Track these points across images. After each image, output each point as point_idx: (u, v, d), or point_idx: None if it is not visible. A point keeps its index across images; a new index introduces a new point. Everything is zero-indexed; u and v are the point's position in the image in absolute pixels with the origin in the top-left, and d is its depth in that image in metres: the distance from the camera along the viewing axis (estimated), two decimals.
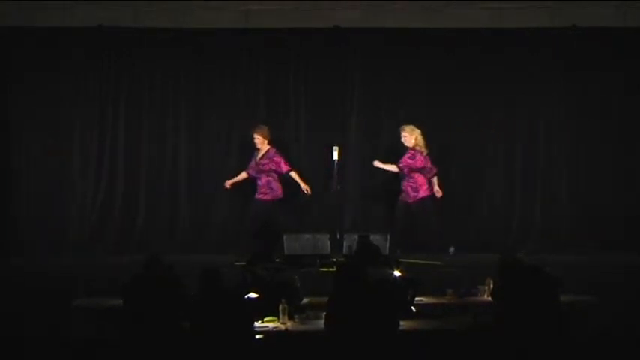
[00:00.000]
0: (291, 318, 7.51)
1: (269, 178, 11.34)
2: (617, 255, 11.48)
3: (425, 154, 11.40)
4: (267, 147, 11.44)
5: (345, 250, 10.56)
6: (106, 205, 12.14)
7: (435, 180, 11.48)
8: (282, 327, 7.36)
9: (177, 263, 9.06)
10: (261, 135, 11.42)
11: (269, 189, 11.34)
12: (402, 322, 7.04)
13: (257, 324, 7.20)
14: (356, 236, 10.38)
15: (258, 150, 11.46)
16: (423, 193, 11.32)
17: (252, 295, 7.77)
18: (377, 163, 11.49)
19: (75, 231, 12.10)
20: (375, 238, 10.37)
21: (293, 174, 11.44)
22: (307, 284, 8.42)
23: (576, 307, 7.99)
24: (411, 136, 11.36)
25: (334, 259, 10.27)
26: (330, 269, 9.70)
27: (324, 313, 6.98)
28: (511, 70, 12.31)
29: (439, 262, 10.68)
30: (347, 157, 12.01)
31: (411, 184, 11.33)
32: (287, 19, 12.12)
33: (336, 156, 11.11)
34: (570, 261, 10.84)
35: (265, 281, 7.88)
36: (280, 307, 7.44)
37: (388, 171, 11.48)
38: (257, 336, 7.06)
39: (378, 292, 6.95)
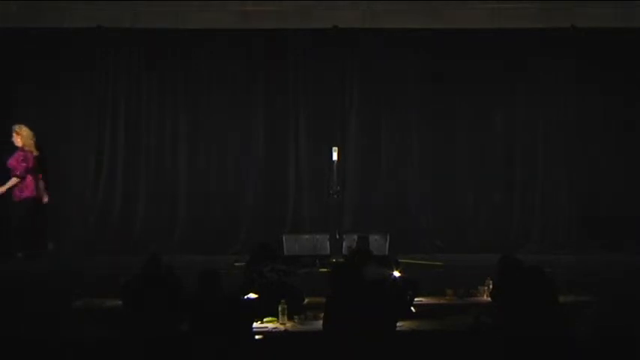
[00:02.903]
0: (290, 319, 7.51)
1: None
2: (617, 255, 11.48)
3: (35, 154, 11.26)
4: None
5: (344, 250, 10.55)
6: (106, 205, 12.14)
7: (41, 184, 11.31)
8: (282, 327, 7.36)
9: (177, 263, 9.07)
10: None
11: None
12: (401, 323, 7.03)
13: (256, 324, 7.20)
14: (356, 236, 10.40)
15: None
16: (28, 193, 11.20)
17: (252, 295, 7.76)
18: None
19: (75, 231, 12.10)
20: (375, 238, 10.38)
21: None
22: (307, 285, 8.43)
23: (576, 307, 7.99)
24: (17, 136, 11.23)
25: (334, 260, 10.27)
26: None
27: (323, 313, 6.97)
28: (511, 70, 12.31)
29: (439, 263, 10.69)
30: (347, 157, 12.00)
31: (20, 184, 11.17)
32: (287, 19, 12.12)
33: (335, 156, 11.10)
34: (570, 261, 10.85)
35: (268, 282, 7.86)
36: (280, 308, 7.43)
37: (11, 187, 11.10)
38: (256, 336, 7.05)
39: (377, 292, 6.94)
